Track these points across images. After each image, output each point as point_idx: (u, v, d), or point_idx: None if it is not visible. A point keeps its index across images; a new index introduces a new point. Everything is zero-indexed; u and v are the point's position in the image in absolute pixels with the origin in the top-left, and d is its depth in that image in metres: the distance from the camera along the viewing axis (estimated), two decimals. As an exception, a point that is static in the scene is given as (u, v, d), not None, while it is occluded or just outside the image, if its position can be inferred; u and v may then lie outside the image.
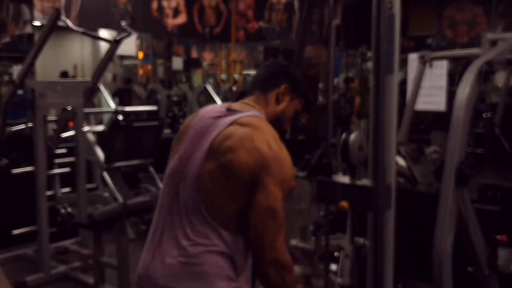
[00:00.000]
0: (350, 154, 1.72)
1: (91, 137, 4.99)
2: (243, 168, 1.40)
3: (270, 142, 1.44)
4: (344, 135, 1.75)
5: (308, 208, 3.01)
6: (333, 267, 2.64)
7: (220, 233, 1.43)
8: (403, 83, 5.01)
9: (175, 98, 8.81)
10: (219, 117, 1.53)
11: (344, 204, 1.70)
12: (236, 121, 1.49)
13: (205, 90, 7.76)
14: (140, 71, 11.70)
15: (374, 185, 1.62)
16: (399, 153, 3.63)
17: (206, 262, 1.42)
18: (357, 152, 1.74)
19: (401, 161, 3.65)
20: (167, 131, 7.27)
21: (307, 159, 3.94)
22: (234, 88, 9.00)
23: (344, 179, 1.75)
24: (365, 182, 1.70)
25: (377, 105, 1.54)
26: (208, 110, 1.58)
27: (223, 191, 1.43)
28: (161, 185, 5.09)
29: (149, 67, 11.72)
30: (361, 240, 2.71)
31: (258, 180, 1.40)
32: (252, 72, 11.90)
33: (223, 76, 11.41)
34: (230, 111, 1.54)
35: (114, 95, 8.26)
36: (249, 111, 1.54)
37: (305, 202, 3.01)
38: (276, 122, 1.60)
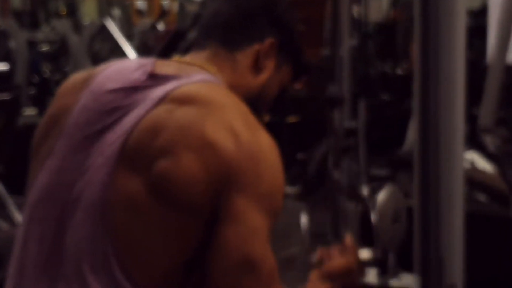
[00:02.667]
0: (377, 231, 1.74)
1: None
2: (191, 185, 1.41)
3: (235, 126, 1.45)
4: (367, 193, 1.77)
5: (304, 253, 3.04)
6: None
7: None
8: (480, 14, 5.07)
9: (45, 48, 8.72)
10: (134, 89, 1.53)
11: None
12: (169, 95, 1.49)
13: (104, 30, 7.72)
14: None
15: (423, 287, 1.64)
16: (480, 147, 3.71)
17: None
18: (390, 227, 1.76)
19: (484, 164, 3.73)
20: (29, 111, 7.21)
21: (300, 161, 3.97)
22: (160, 27, 8.97)
23: (369, 276, 1.77)
24: (407, 281, 1.72)
25: (424, 56, 1.57)
26: (110, 75, 1.57)
27: (155, 229, 1.44)
28: (18, 217, 5.02)
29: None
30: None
31: (220, 203, 1.41)
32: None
33: (140, 4, 11.37)
34: (155, 77, 1.55)
35: None
36: (193, 75, 1.55)
37: (298, 242, 3.05)
38: (249, 104, 1.59)
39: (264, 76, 1.65)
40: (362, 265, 1.73)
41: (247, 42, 1.63)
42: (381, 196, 1.78)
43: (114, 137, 1.47)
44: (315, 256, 1.76)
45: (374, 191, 1.81)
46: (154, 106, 1.47)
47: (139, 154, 1.45)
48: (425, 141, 1.57)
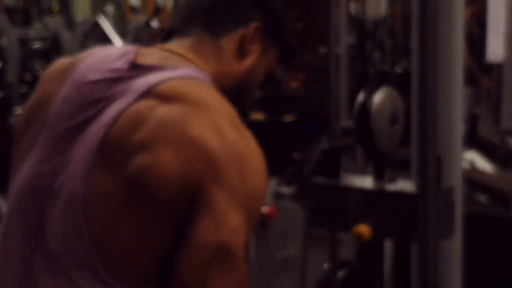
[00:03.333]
0: (374, 131, 1.74)
1: None
2: (170, 181, 1.40)
3: (220, 126, 1.44)
4: (362, 95, 1.75)
5: (301, 255, 3.04)
6: None
7: None
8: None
9: (37, 45, 8.71)
10: (116, 80, 1.52)
11: (362, 229, 1.73)
12: (153, 89, 1.48)
13: (97, 27, 7.71)
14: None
15: (421, 190, 1.65)
16: (480, 147, 3.71)
17: None
18: (387, 127, 1.76)
19: (483, 163, 3.72)
20: (21, 110, 7.18)
21: (297, 161, 3.97)
22: (154, 24, 8.96)
23: (364, 181, 1.78)
24: (404, 186, 1.73)
25: (422, 54, 1.57)
26: (93, 64, 1.57)
27: (133, 226, 1.43)
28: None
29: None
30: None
31: (198, 197, 1.40)
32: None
33: (133, 1, 11.35)
34: (137, 67, 1.54)
35: None
36: (178, 68, 1.55)
37: (295, 244, 3.04)
38: (235, 91, 1.61)
39: (249, 61, 1.64)
40: None
41: (231, 27, 1.63)
42: (377, 97, 1.78)
43: (94, 129, 1.47)
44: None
45: None
46: (135, 100, 1.47)
47: (117, 148, 1.44)
48: (424, 140, 1.58)
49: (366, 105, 1.78)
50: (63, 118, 1.52)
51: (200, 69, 1.58)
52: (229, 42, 1.63)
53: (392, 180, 1.80)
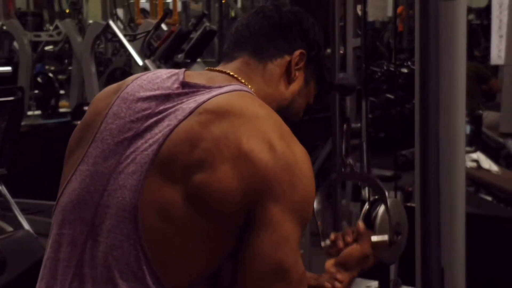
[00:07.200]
0: (377, 247, 1.76)
1: None
2: (227, 195, 1.44)
3: (270, 137, 1.48)
4: (366, 207, 1.78)
5: (308, 256, 3.03)
6: None
7: None
8: (483, 12, 5.04)
9: (49, 47, 8.72)
10: (166, 97, 1.57)
11: None
12: (202, 107, 1.51)
13: (107, 30, 7.72)
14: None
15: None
16: (485, 146, 3.70)
17: None
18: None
19: (490, 164, 3.72)
20: (33, 112, 7.21)
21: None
22: (165, 27, 8.96)
23: None
24: None
25: (423, 59, 1.57)
26: (142, 83, 1.61)
27: (188, 237, 1.46)
28: (22, 220, 5.00)
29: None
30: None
31: (255, 212, 1.45)
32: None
33: (144, 4, 11.35)
34: (187, 86, 1.58)
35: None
36: (225, 85, 1.57)
37: (303, 245, 3.03)
38: (279, 114, 1.62)
39: (295, 87, 1.69)
40: (375, 248, 1.75)
41: (278, 53, 1.67)
42: (381, 211, 1.79)
43: (145, 145, 1.51)
44: (328, 240, 1.79)
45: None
46: (185, 117, 1.50)
47: (174, 165, 1.48)
48: (425, 141, 1.57)
49: (370, 217, 1.80)
50: (113, 133, 1.56)
51: (246, 86, 1.62)
52: (275, 67, 1.67)
53: (397, 285, 1.80)
